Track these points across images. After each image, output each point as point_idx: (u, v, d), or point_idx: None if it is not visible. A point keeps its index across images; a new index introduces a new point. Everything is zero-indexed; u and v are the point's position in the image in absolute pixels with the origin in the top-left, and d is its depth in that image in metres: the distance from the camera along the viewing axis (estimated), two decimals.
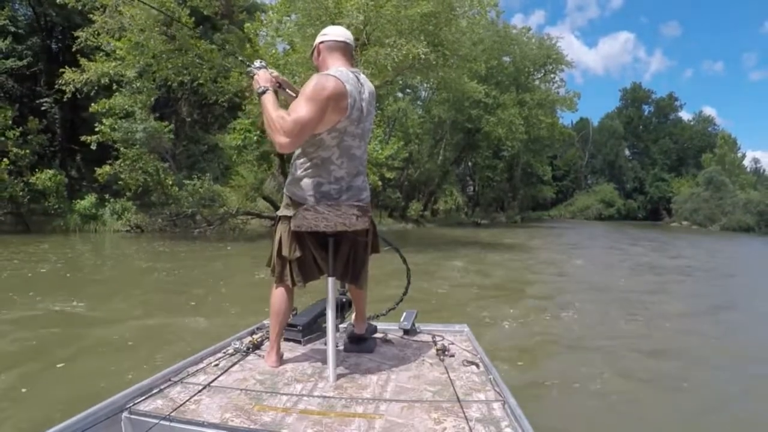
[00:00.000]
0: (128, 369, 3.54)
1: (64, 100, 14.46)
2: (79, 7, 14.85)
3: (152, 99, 14.68)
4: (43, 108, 21.75)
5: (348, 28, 11.23)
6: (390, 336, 2.50)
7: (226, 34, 16.81)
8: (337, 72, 1.87)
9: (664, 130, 60.70)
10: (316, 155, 1.91)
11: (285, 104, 2.02)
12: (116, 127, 15.55)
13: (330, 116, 1.84)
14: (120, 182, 16.48)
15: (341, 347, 2.26)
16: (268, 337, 2.16)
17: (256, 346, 2.25)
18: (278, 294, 2.06)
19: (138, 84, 14.60)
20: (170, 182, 16.79)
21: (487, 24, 19.66)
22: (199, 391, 1.71)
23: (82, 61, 13.48)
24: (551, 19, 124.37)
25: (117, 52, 13.02)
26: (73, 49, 15.22)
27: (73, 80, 12.82)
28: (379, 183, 21.89)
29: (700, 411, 3.45)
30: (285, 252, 2.00)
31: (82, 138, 16.34)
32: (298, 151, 1.97)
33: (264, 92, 1.90)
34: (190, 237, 15.19)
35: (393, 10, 11.16)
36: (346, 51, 2.00)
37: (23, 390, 3.23)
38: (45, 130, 18.86)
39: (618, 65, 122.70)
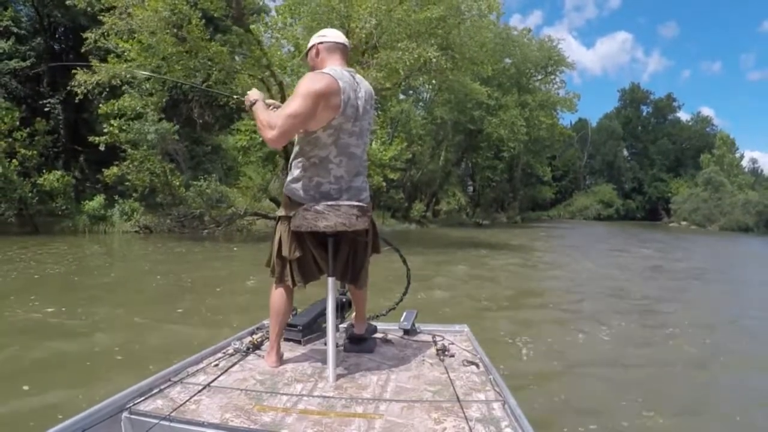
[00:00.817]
0: (65, 401, 3.13)
1: (76, 101, 14.57)
2: (88, 9, 15.01)
3: (163, 100, 14.88)
4: (46, 109, 21.90)
5: (360, 31, 11.56)
6: (390, 336, 2.50)
7: (229, 36, 17.04)
8: (330, 70, 1.91)
9: (663, 130, 61.28)
10: (314, 154, 1.93)
11: None
12: (125, 128, 15.75)
13: (323, 113, 1.86)
14: (127, 183, 16.67)
15: (341, 347, 2.26)
16: (268, 337, 2.16)
17: (256, 346, 2.25)
18: (278, 294, 2.07)
19: (148, 85, 14.78)
20: (177, 183, 17.00)
21: (491, 26, 19.96)
22: (199, 391, 1.71)
23: (94, 62, 13.65)
24: (549, 19, 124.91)
25: (129, 53, 13.19)
26: (82, 51, 15.40)
27: (85, 81, 12.98)
28: (383, 184, 22.17)
29: None
30: (285, 252, 2.01)
31: (90, 139, 16.53)
32: (296, 151, 2.00)
33: (255, 103, 1.98)
34: (198, 237, 15.39)
35: (404, 14, 11.43)
36: (344, 52, 2.05)
37: None
38: (50, 132, 19.00)
39: (616, 65, 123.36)
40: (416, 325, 2.58)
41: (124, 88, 15.55)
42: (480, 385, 1.85)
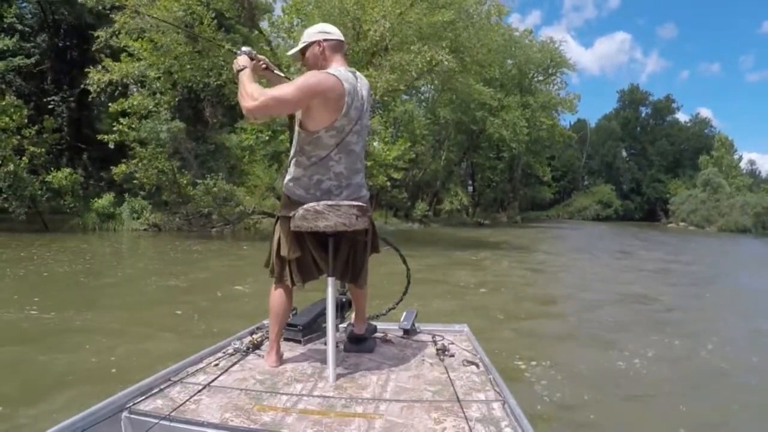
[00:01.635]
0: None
1: (89, 99, 14.76)
2: (99, 7, 15.19)
3: (176, 99, 15.10)
4: (50, 106, 22.05)
5: (375, 33, 11.83)
6: (390, 336, 2.51)
7: (233, 35, 17.29)
8: (336, 71, 1.91)
9: (661, 131, 61.92)
10: (315, 154, 1.93)
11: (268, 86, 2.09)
12: (134, 126, 15.96)
13: (322, 113, 1.86)
14: (135, 181, 16.88)
15: (341, 347, 2.27)
16: (268, 337, 2.16)
17: (256, 346, 2.26)
18: (277, 294, 2.08)
19: (158, 84, 15.00)
20: (185, 181, 17.23)
21: (499, 29, 20.32)
22: (199, 391, 1.72)
23: (107, 61, 13.86)
24: (547, 19, 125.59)
25: (142, 53, 13.43)
26: (93, 49, 15.60)
27: (98, 80, 13.20)
28: (387, 183, 22.48)
29: None
30: (284, 252, 2.01)
31: (99, 137, 16.73)
32: (295, 150, 2.00)
33: (242, 70, 1.93)
34: (206, 235, 15.65)
35: (416, 18, 11.73)
36: (344, 51, 2.06)
37: None
38: (57, 129, 19.16)
39: (614, 66, 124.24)
40: (416, 325, 2.60)
41: (132, 87, 15.79)
42: (480, 385, 1.86)
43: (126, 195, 17.04)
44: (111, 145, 16.00)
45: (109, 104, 16.07)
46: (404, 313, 2.64)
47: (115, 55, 17.47)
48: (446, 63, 11.43)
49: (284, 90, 1.84)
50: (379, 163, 23.34)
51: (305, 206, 1.87)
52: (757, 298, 9.00)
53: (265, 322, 2.43)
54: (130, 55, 14.05)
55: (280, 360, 2.09)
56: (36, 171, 16.37)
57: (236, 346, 2.21)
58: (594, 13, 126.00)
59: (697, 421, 3.38)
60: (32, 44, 22.82)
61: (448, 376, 1.92)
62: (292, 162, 2.01)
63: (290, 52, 2.16)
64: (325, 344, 2.03)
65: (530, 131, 29.24)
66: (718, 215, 42.05)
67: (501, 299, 7.35)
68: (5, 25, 22.72)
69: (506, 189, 40.79)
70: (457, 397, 1.70)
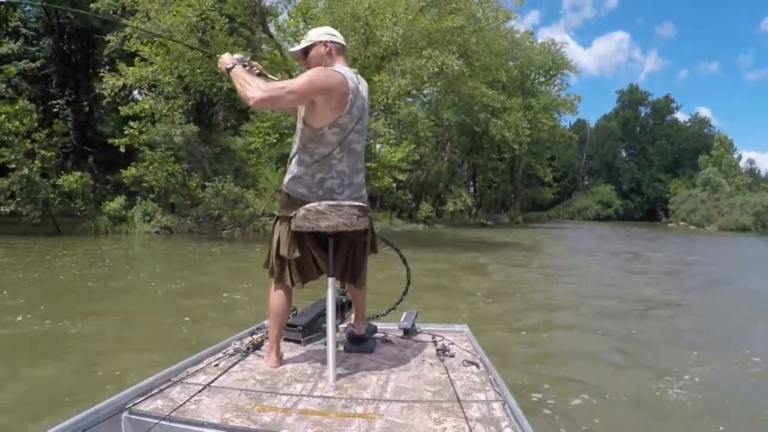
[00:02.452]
0: None
1: (103, 103, 15.10)
2: (110, 12, 15.53)
3: (189, 104, 15.45)
4: (55, 110, 22.33)
5: (389, 40, 12.21)
6: (390, 336, 2.53)
7: (236, 38, 17.68)
8: (341, 69, 1.98)
9: (661, 131, 62.63)
10: (318, 151, 1.96)
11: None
12: (144, 130, 16.30)
13: (327, 109, 1.90)
14: (144, 184, 17.22)
15: (341, 347, 2.29)
16: (268, 338, 2.18)
17: (256, 346, 2.29)
18: (277, 294, 2.09)
19: (170, 89, 15.34)
20: (194, 184, 17.58)
21: (507, 34, 20.79)
22: (199, 391, 1.74)
23: (121, 66, 14.20)
24: (546, 19, 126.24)
25: (154, 57, 13.78)
26: (104, 53, 15.93)
27: (113, 84, 13.55)
28: (393, 185, 22.88)
29: None
30: (284, 252, 2.02)
31: (110, 140, 17.06)
32: (297, 148, 2.01)
33: (233, 67, 1.94)
34: (217, 237, 15.99)
35: (427, 24, 12.14)
36: (345, 55, 2.13)
37: None
38: (65, 134, 19.45)
39: (612, 65, 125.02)
40: (416, 325, 2.62)
41: (135, 92, 16.09)
42: (480, 385, 1.87)
43: (138, 198, 17.35)
44: (122, 149, 16.31)
45: (119, 107, 16.42)
46: (404, 314, 2.66)
47: (123, 59, 17.87)
48: (456, 68, 11.85)
49: (296, 83, 1.86)
50: (384, 165, 23.77)
51: (307, 206, 1.89)
52: None
53: (265, 322, 2.45)
54: (143, 59, 14.38)
55: (280, 360, 2.11)
56: (46, 174, 16.67)
57: (236, 346, 2.24)
58: (592, 12, 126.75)
59: None
60: (37, 48, 23.20)
61: (448, 377, 1.94)
62: (294, 160, 2.02)
63: (293, 49, 2.14)
64: (325, 344, 2.05)
65: (532, 132, 29.76)
66: (717, 214, 42.63)
67: (514, 308, 6.83)
68: (9, 29, 23.07)
69: (507, 190, 41.29)
70: (457, 398, 1.71)
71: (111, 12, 15.55)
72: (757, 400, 3.74)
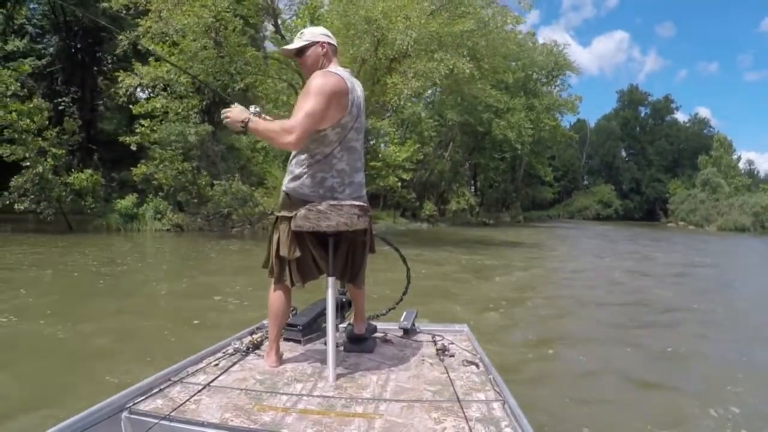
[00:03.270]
0: None
1: (119, 102, 15.44)
2: (123, 11, 15.87)
3: (204, 103, 15.83)
4: (60, 107, 22.63)
5: (402, 44, 12.63)
6: (390, 336, 2.56)
7: (240, 38, 18.08)
8: (337, 70, 2.02)
9: (661, 131, 63.42)
10: (319, 151, 1.98)
11: None
12: (155, 128, 16.67)
13: (333, 112, 1.93)
14: (153, 182, 17.58)
15: (341, 347, 2.31)
16: (267, 337, 2.19)
17: (256, 346, 2.30)
18: (277, 294, 2.11)
19: (182, 88, 15.71)
20: (203, 182, 17.96)
21: (515, 38, 21.30)
22: (199, 391, 1.75)
23: (137, 66, 14.56)
24: (545, 18, 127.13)
25: (169, 57, 14.14)
26: (116, 52, 16.27)
27: (130, 84, 13.91)
28: (398, 184, 23.33)
29: None
30: (284, 252, 2.03)
31: (121, 139, 17.40)
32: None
33: (248, 121, 1.91)
34: (228, 235, 16.36)
35: (438, 27, 12.59)
36: (337, 56, 2.18)
37: None
38: (75, 131, 19.75)
39: (612, 65, 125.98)
40: (416, 324, 2.65)
41: (155, 90, 16.44)
42: (480, 385, 1.89)
43: (148, 195, 17.71)
44: (133, 147, 16.66)
45: (130, 106, 16.76)
46: (404, 313, 2.69)
47: (129, 59, 18.17)
48: (467, 71, 12.30)
49: (309, 103, 1.88)
50: (389, 164, 24.22)
51: (307, 206, 1.92)
52: None
53: (265, 322, 2.48)
54: (157, 59, 14.74)
55: (280, 360, 2.13)
56: (57, 172, 16.99)
57: (236, 346, 2.26)
58: (592, 12, 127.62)
59: None
60: (43, 45, 23.49)
61: (448, 376, 1.96)
62: (294, 160, 2.04)
63: (289, 47, 2.14)
64: (325, 344, 2.06)
65: (534, 132, 30.33)
66: (717, 215, 43.33)
67: (528, 316, 6.32)
68: (15, 27, 23.34)
69: (508, 189, 41.84)
70: (457, 397, 1.73)
71: (124, 12, 15.89)
72: None
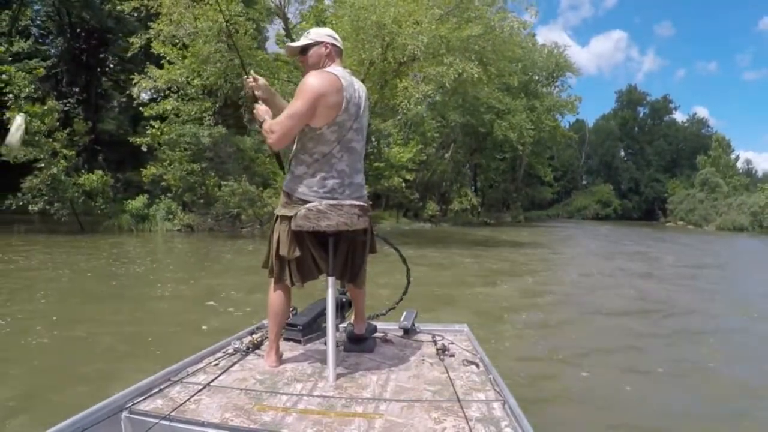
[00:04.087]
0: None
1: (134, 104, 15.87)
2: (135, 14, 16.30)
3: (217, 105, 16.27)
4: (65, 108, 22.99)
5: (413, 49, 13.13)
6: (390, 336, 2.58)
7: (252, 41, 18.54)
8: (333, 70, 2.06)
9: (659, 131, 64.34)
10: (317, 150, 2.01)
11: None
12: (165, 130, 17.11)
13: (326, 111, 1.96)
14: (162, 183, 18.02)
15: (341, 347, 2.32)
16: (267, 337, 2.21)
17: (256, 346, 2.32)
18: (276, 294, 2.13)
19: (192, 90, 16.14)
20: (211, 183, 18.40)
21: (522, 43, 21.90)
22: (199, 391, 1.77)
23: (151, 69, 14.99)
24: (543, 18, 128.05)
25: (183, 61, 14.58)
26: (128, 55, 16.71)
27: (144, 86, 14.34)
28: (403, 184, 23.88)
29: None
30: (283, 252, 2.04)
31: (131, 140, 17.83)
32: (297, 148, 2.07)
33: (263, 122, 2.08)
34: (238, 235, 16.84)
35: (447, 32, 13.12)
36: (342, 58, 2.23)
37: None
38: (85, 133, 20.11)
39: (610, 64, 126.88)
40: (416, 324, 2.67)
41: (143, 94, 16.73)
42: (480, 385, 1.91)
43: (160, 197, 18.15)
44: (144, 148, 17.09)
45: (140, 108, 17.21)
46: (404, 313, 2.72)
47: (134, 60, 18.56)
48: (476, 75, 12.85)
49: (293, 106, 1.97)
50: (393, 165, 24.78)
51: (307, 206, 1.95)
52: None
53: (265, 322, 2.51)
54: (170, 62, 15.19)
55: (280, 360, 2.15)
56: (68, 173, 17.38)
57: (236, 346, 2.29)
58: (590, 11, 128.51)
59: None
60: (48, 47, 23.83)
61: (448, 376, 1.98)
62: (294, 160, 2.08)
63: (293, 44, 2.21)
64: (325, 344, 2.09)
65: (535, 133, 31.00)
66: (715, 214, 44.12)
67: (552, 329, 5.80)
68: (19, 28, 23.69)
69: (509, 189, 42.50)
70: (457, 397, 1.75)
71: (135, 15, 16.32)
72: None
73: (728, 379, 4.21)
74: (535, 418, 1.65)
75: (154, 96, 19.98)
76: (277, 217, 2.09)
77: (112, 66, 25.75)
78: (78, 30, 23.93)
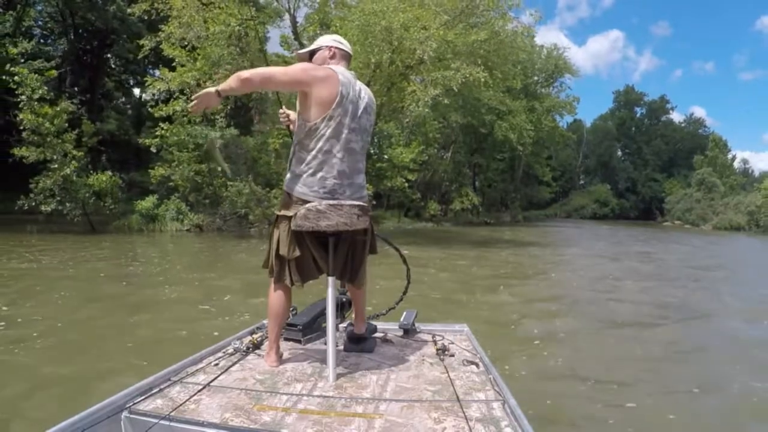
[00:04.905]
0: None
1: (137, 106, 16.34)
2: (146, 17, 16.75)
3: (228, 107, 16.74)
4: (69, 110, 23.38)
5: (423, 54, 13.70)
6: (390, 336, 2.60)
7: (261, 45, 19.03)
8: (333, 67, 2.11)
9: (656, 131, 65.43)
10: (315, 147, 2.02)
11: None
12: (174, 131, 17.56)
13: (319, 102, 2.00)
14: (170, 183, 18.49)
15: (341, 347, 2.35)
16: (267, 337, 2.23)
17: (256, 346, 2.34)
18: (276, 294, 2.15)
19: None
20: (218, 183, 18.88)
21: (526, 47, 22.55)
22: (199, 391, 1.79)
23: (163, 71, 15.47)
24: (541, 18, 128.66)
25: (196, 62, 15.07)
26: (139, 57, 17.16)
27: (159, 89, 14.82)
28: (405, 185, 24.45)
29: None
30: (283, 251, 2.06)
31: (140, 140, 18.28)
32: (295, 147, 2.10)
33: (217, 91, 2.04)
34: (247, 235, 17.34)
35: (454, 38, 13.72)
36: (349, 63, 2.27)
37: None
38: (94, 134, 20.49)
39: (607, 64, 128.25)
40: (416, 324, 2.69)
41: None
42: (480, 385, 1.92)
43: (169, 197, 18.61)
44: (153, 149, 17.53)
45: (150, 109, 17.66)
46: (404, 313, 2.74)
47: (136, 62, 19.03)
48: (483, 80, 13.46)
49: (276, 69, 2.09)
50: (395, 165, 25.35)
51: (307, 205, 1.96)
52: None
53: (265, 321, 2.52)
54: (182, 65, 15.67)
55: (280, 360, 2.17)
56: (78, 174, 17.79)
57: (236, 345, 2.31)
58: (587, 11, 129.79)
59: None
60: (52, 48, 24.19)
61: (448, 376, 1.99)
62: (293, 160, 2.10)
63: (302, 51, 2.31)
64: (325, 344, 2.11)
65: (535, 134, 31.73)
66: (712, 214, 45.07)
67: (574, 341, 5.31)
68: (23, 29, 24.06)
69: (508, 189, 43.25)
70: (457, 397, 1.76)
71: (146, 18, 16.78)
72: None
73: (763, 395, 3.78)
74: None
75: (156, 97, 20.42)
76: (278, 216, 2.12)
77: (114, 67, 26.13)
78: (81, 31, 24.31)
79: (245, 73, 1.98)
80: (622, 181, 64.61)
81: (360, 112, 2.11)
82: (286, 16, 20.47)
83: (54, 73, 17.48)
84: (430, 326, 2.76)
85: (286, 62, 18.58)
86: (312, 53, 2.25)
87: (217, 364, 2.10)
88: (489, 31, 14.23)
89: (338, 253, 2.13)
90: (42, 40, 25.81)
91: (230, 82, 2.00)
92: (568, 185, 63.63)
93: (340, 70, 2.10)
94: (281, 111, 2.54)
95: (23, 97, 15.80)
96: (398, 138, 25.36)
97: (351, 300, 2.49)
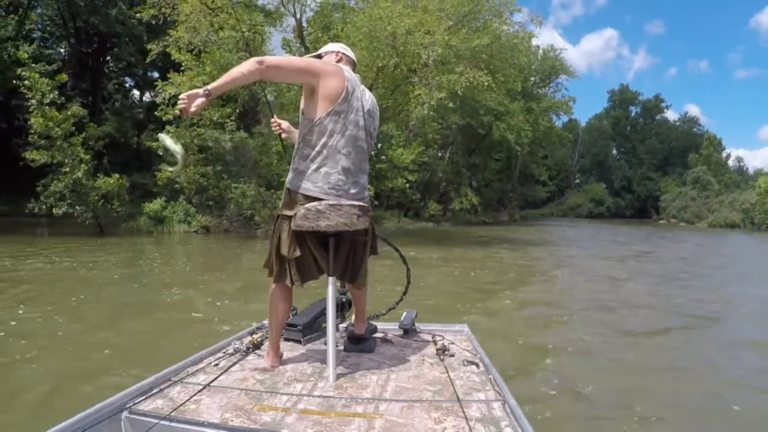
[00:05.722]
0: None
1: (156, 113, 16.76)
2: (153, 22, 17.20)
3: (237, 111, 17.23)
4: (70, 113, 23.74)
5: (428, 58, 14.28)
6: (390, 336, 2.62)
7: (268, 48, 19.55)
8: (340, 65, 2.17)
9: (651, 130, 66.56)
10: (320, 143, 2.02)
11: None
12: (180, 134, 18.00)
13: (324, 97, 2.01)
14: (176, 185, 18.95)
15: (341, 347, 2.37)
16: (267, 337, 2.25)
17: (256, 346, 2.36)
18: (276, 294, 2.16)
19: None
20: (223, 186, 19.35)
21: (528, 52, 23.20)
22: (199, 391, 1.80)
23: (173, 75, 15.94)
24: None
25: (204, 67, 15.55)
26: (147, 60, 17.59)
27: (169, 93, 15.28)
28: (406, 185, 25.01)
29: None
30: (284, 251, 2.07)
31: (149, 144, 18.72)
32: (300, 142, 2.09)
33: (208, 90, 1.87)
34: (254, 236, 17.84)
35: (458, 42, 14.32)
36: (354, 68, 2.31)
37: None
38: (99, 137, 20.88)
39: (601, 63, 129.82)
40: (416, 324, 2.72)
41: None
42: (480, 385, 1.93)
43: (179, 199, 19.09)
44: (160, 152, 17.96)
45: (156, 112, 18.08)
46: (404, 313, 2.76)
47: (138, 65, 19.42)
48: (486, 83, 14.07)
49: (286, 59, 2.16)
50: (396, 166, 25.90)
51: (307, 206, 1.97)
52: None
53: (265, 322, 2.55)
54: (190, 68, 16.14)
55: (280, 360, 2.19)
56: (87, 177, 18.18)
57: (236, 346, 2.33)
58: (582, 10, 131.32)
59: None
60: (53, 51, 24.49)
61: (448, 376, 2.01)
62: (297, 156, 2.10)
63: (310, 55, 2.33)
64: (325, 344, 2.13)
65: (532, 135, 32.47)
66: (707, 212, 46.06)
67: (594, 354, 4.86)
68: (24, 32, 24.37)
69: (505, 189, 43.99)
70: (457, 397, 1.78)
71: (153, 22, 17.25)
72: None
73: None
74: None
75: (165, 101, 20.79)
76: (279, 216, 2.14)
77: (115, 70, 26.49)
78: (82, 34, 24.61)
79: (260, 58, 1.94)
80: (618, 180, 65.68)
81: (366, 112, 2.15)
82: (289, 18, 21.07)
83: (64, 77, 17.85)
84: (430, 326, 2.79)
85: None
86: (319, 57, 2.31)
87: (217, 365, 2.13)
88: (491, 35, 14.82)
89: (339, 253, 2.14)
90: (42, 44, 26.13)
91: (235, 73, 1.88)
92: (564, 184, 64.57)
93: (347, 69, 2.16)
94: (273, 120, 2.59)
95: (33, 101, 16.20)
96: (398, 139, 25.92)
97: (351, 300, 2.53)
